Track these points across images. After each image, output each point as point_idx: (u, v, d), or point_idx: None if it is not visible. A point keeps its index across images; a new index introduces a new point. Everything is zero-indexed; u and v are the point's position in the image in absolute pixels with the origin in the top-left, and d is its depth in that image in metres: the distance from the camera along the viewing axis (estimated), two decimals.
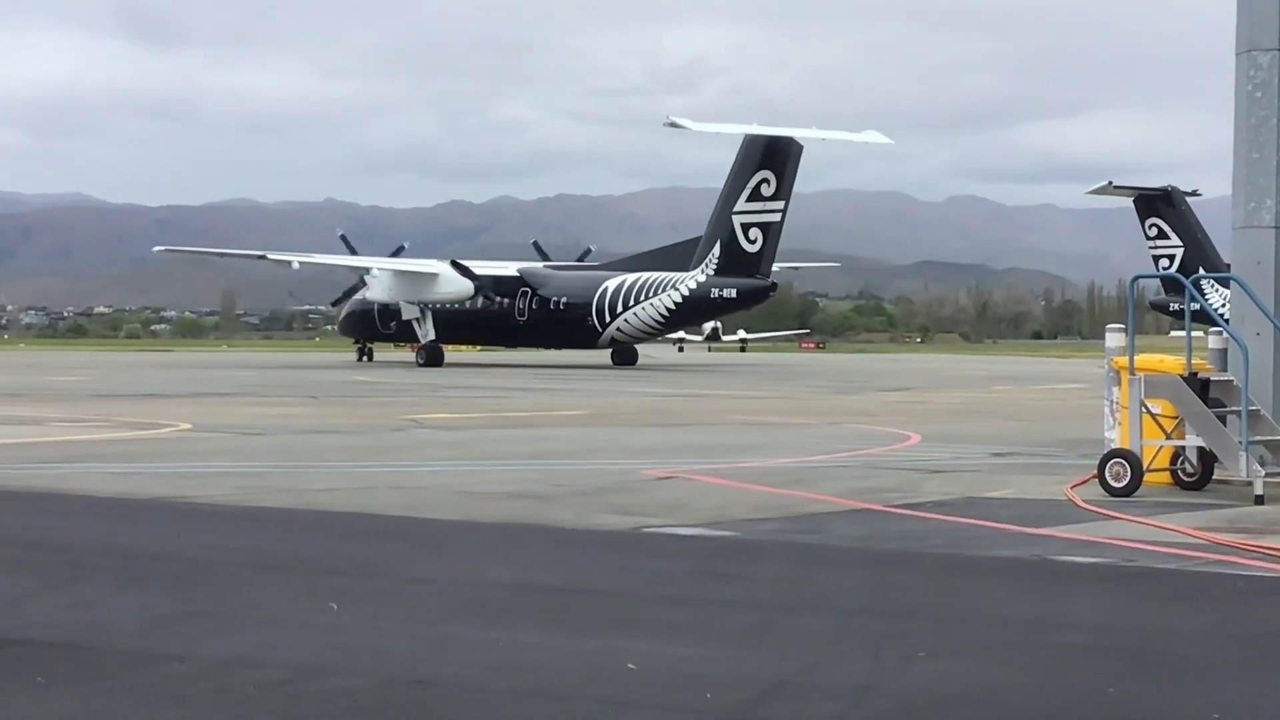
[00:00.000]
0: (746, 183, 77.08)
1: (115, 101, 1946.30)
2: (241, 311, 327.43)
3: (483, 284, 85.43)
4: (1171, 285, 68.18)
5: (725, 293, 78.50)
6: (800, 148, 76.77)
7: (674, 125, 76.48)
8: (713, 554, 13.30)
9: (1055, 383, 63.71)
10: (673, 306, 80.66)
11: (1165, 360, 19.52)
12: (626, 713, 7.89)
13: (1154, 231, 69.02)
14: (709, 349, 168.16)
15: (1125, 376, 18.87)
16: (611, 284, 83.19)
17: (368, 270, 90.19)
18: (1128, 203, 70.90)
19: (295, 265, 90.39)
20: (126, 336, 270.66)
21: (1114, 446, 18.93)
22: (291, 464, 21.73)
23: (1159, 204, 69.11)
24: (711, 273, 78.46)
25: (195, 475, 19.86)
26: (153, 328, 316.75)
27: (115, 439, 26.73)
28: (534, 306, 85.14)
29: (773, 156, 76.57)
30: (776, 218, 77.10)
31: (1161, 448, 18.59)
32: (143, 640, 9.34)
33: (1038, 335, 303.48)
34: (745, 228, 77.40)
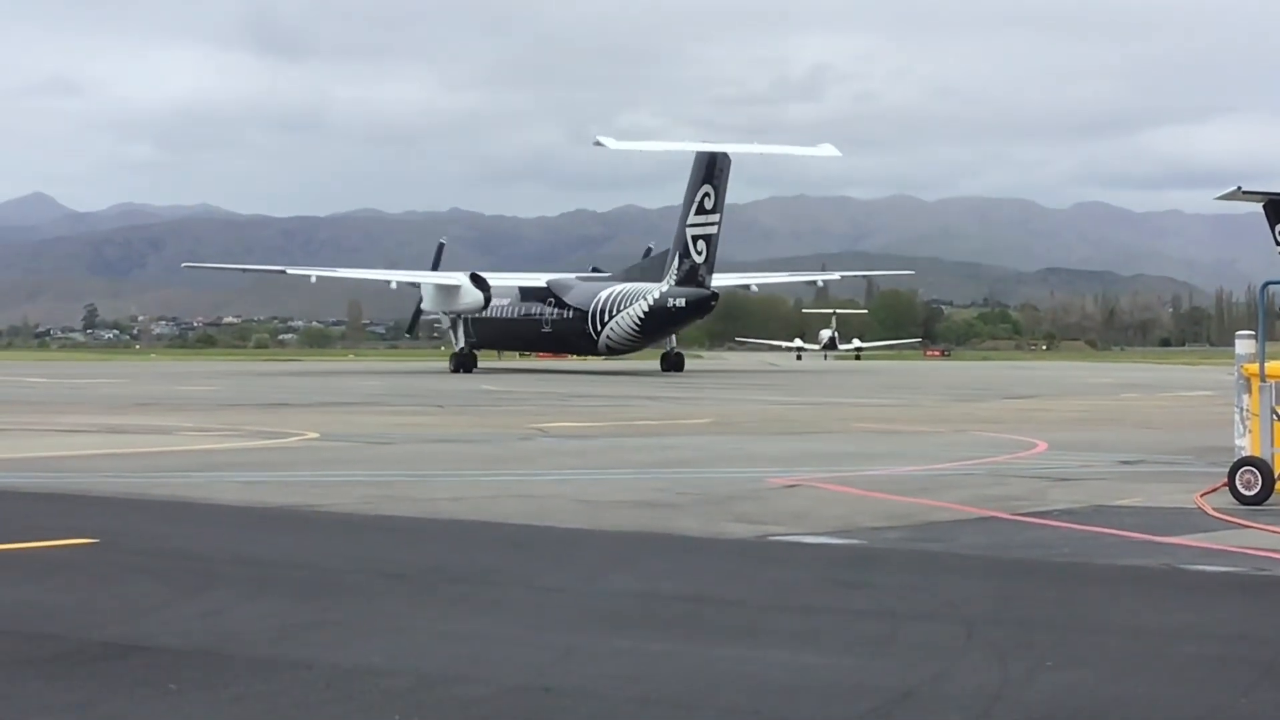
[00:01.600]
0: (694, 197, 79.92)
1: (244, 114, 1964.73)
2: (367, 321, 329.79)
3: (494, 295, 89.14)
4: None
5: (677, 303, 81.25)
6: (729, 160, 79.80)
7: (599, 145, 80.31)
8: (839, 562, 13.26)
9: (1184, 390, 63.03)
10: (642, 317, 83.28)
11: None
12: None
13: None
14: (825, 357, 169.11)
15: (1256, 383, 18.61)
16: (603, 294, 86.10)
17: (389, 283, 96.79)
18: (1257, 208, 69.70)
19: (313, 279, 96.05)
20: (255, 346, 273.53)
21: (1245, 454, 18.66)
22: (418, 473, 21.88)
23: None
24: (673, 283, 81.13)
25: (323, 484, 20.05)
26: (280, 337, 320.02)
27: (244, 448, 27.03)
28: (554, 316, 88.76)
29: (711, 171, 79.53)
30: (714, 230, 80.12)
31: None
32: (272, 648, 9.43)
33: (1165, 342, 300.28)
34: (694, 240, 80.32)
